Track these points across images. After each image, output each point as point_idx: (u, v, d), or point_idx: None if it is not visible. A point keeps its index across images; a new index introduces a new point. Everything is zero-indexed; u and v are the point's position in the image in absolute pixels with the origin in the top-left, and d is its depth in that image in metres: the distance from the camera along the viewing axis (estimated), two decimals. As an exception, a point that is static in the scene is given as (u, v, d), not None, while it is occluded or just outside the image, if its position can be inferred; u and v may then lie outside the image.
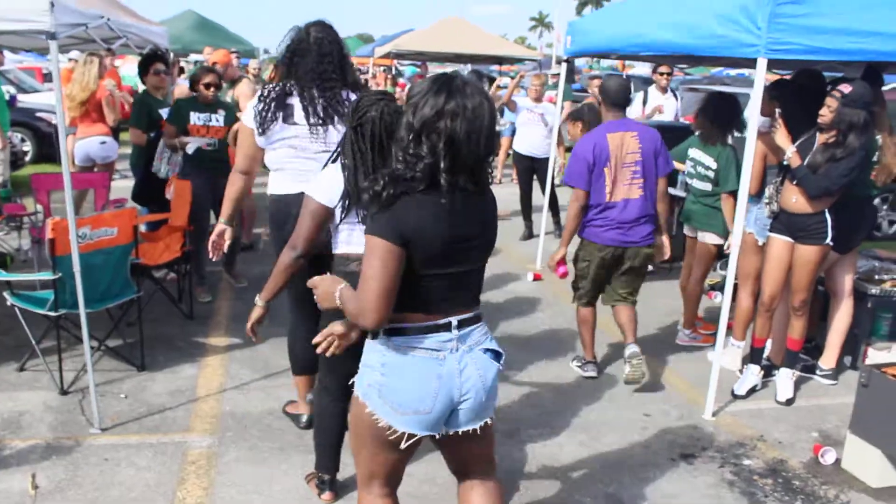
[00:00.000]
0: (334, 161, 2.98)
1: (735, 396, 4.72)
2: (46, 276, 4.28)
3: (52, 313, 4.29)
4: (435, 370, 2.22)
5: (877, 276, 5.31)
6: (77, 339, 4.67)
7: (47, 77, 16.93)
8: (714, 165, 5.25)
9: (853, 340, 5.19)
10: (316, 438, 3.46)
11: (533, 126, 8.40)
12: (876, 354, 5.14)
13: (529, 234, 8.71)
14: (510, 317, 6.09)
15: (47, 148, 11.08)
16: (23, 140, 11.66)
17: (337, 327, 2.50)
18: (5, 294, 4.55)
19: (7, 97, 7.82)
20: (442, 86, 2.13)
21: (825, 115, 4.28)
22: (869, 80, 4.55)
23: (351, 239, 3.03)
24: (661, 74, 8.49)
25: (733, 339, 5.14)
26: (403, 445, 2.29)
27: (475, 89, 2.15)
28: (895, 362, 4.01)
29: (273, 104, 3.58)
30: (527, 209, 8.74)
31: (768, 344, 4.93)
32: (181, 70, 9.89)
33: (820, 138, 4.37)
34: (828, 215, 4.41)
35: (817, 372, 5.06)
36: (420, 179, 2.13)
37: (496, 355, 2.37)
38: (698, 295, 5.54)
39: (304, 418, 4.09)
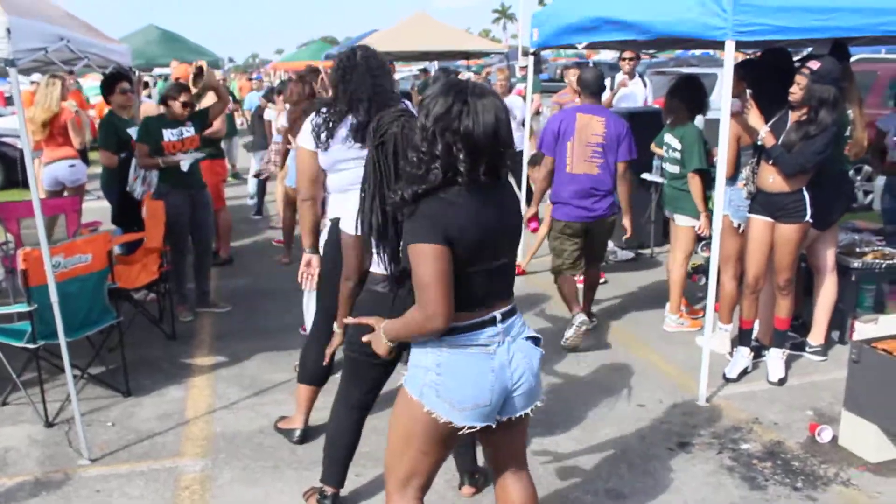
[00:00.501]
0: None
1: (727, 380, 4.72)
2: (21, 307, 4.18)
3: (30, 345, 4.19)
4: (488, 365, 2.31)
5: (858, 249, 5.34)
6: (59, 370, 4.57)
7: (9, 100, 16.63)
8: (679, 146, 5.27)
9: (839, 315, 5.21)
10: (327, 450, 3.40)
11: None
12: (863, 328, 5.09)
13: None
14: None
15: (15, 174, 10.89)
16: (-11, 166, 11.46)
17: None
18: (-18, 328, 4.44)
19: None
20: (451, 87, 2.23)
21: (795, 92, 4.30)
22: (836, 55, 4.56)
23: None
24: (625, 60, 8.47)
25: (720, 323, 5.14)
26: (444, 437, 2.39)
27: (482, 87, 2.26)
28: (884, 336, 4.01)
29: (332, 123, 3.56)
30: None
31: (756, 325, 4.94)
32: (146, 85, 9.72)
33: (792, 116, 4.38)
34: (805, 193, 4.42)
35: (807, 349, 5.07)
36: (437, 177, 2.20)
37: (536, 341, 2.45)
38: (682, 278, 5.53)
39: (297, 433, 4.04)
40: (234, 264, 7.53)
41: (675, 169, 5.35)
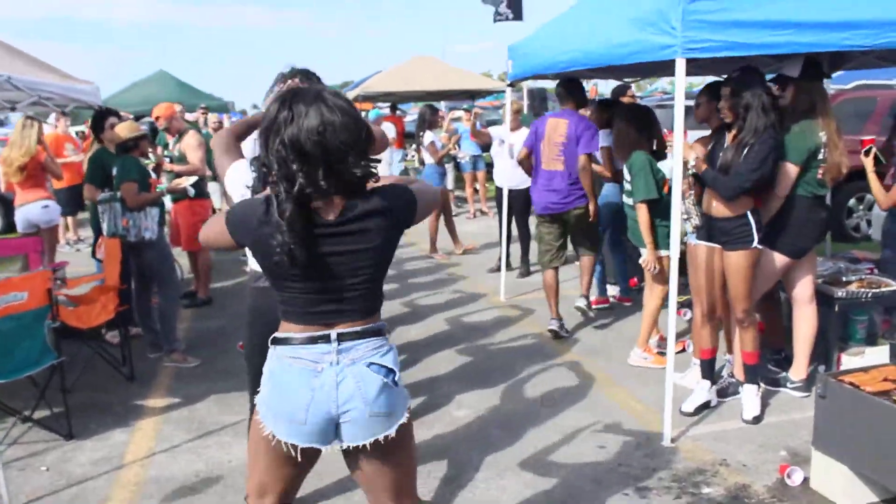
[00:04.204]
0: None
1: (683, 414, 4.43)
2: (-52, 347, 4.06)
3: (-41, 387, 4.06)
4: (308, 382, 2.18)
5: (843, 279, 5.04)
6: (4, 411, 4.47)
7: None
8: (629, 177, 5.10)
9: (826, 348, 4.91)
10: None
11: (500, 158, 8.12)
12: (850, 361, 4.84)
13: (498, 267, 8.39)
14: (464, 350, 5.84)
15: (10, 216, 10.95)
16: (-9, 211, 11.54)
17: None
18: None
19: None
20: (277, 99, 2.14)
21: (722, 107, 4.16)
22: (810, 72, 4.36)
23: None
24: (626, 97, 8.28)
25: (694, 358, 4.85)
26: (285, 452, 2.25)
27: (313, 92, 2.12)
28: (853, 369, 3.73)
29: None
30: (506, 239, 8.30)
31: (731, 360, 4.66)
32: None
33: (728, 138, 4.19)
34: (750, 217, 4.19)
35: (788, 385, 4.76)
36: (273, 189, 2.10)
37: (387, 371, 2.24)
38: (652, 312, 5.28)
39: None
40: (212, 305, 7.40)
41: (630, 200, 5.18)
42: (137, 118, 9.94)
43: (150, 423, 4.73)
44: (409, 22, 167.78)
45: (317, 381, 2.18)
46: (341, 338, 2.20)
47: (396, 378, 2.25)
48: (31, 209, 6.98)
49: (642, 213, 5.00)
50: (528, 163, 6.11)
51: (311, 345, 2.19)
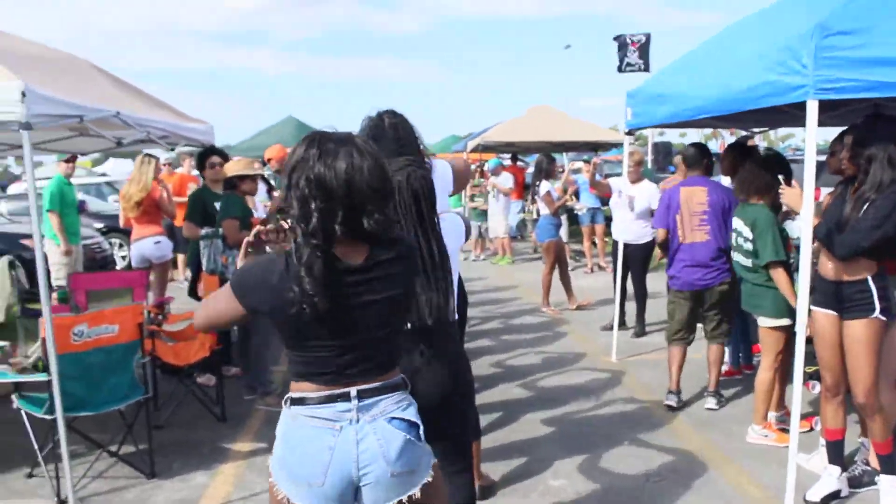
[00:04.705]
0: None
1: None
2: (41, 377, 4.07)
3: (47, 416, 4.05)
4: (327, 441, 2.07)
5: None
6: (91, 444, 4.45)
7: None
8: (750, 235, 4.60)
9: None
10: None
11: (619, 210, 7.64)
12: None
13: (611, 325, 7.92)
14: (567, 412, 5.47)
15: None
16: (121, 245, 12.08)
17: None
18: (13, 396, 4.35)
19: (77, 202, 7.99)
20: (305, 139, 2.10)
21: (843, 157, 3.79)
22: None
23: None
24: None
25: (822, 438, 4.29)
26: None
27: (344, 136, 2.08)
28: None
29: None
30: (620, 296, 7.58)
31: (865, 443, 4.09)
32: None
33: (850, 192, 3.75)
34: (872, 283, 3.69)
35: (937, 478, 4.12)
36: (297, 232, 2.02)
37: (409, 426, 2.13)
38: (767, 386, 4.73)
39: None
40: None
41: (748, 261, 4.66)
42: (265, 164, 10.23)
43: (232, 467, 4.60)
44: (534, 75, 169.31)
45: (335, 441, 2.06)
46: (361, 395, 2.10)
47: (420, 432, 2.15)
48: (145, 244, 7.19)
49: (780, 276, 4.46)
50: (667, 244, 5.62)
51: (330, 404, 2.08)
